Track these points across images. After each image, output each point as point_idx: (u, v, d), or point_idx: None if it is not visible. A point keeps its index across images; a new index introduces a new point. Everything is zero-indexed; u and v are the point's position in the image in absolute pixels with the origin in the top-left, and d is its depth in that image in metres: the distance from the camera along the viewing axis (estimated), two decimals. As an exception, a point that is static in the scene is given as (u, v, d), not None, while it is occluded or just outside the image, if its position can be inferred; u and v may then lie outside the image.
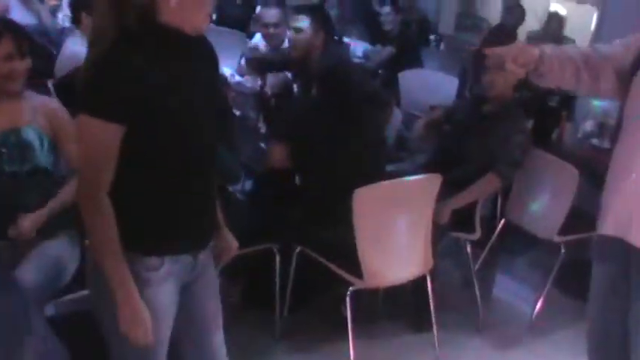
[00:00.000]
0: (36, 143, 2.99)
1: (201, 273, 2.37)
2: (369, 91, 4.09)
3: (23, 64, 2.96)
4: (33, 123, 3.00)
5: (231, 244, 2.55)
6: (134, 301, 2.12)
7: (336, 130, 3.64)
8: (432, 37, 9.01)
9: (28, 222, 2.92)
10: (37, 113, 3.04)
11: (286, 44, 5.15)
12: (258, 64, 5.03)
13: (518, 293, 4.72)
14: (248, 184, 4.46)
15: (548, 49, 2.68)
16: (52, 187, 3.04)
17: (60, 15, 7.81)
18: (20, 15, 6.72)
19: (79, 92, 2.04)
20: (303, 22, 4.51)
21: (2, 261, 2.92)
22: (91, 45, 2.08)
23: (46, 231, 2.99)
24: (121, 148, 2.05)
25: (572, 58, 2.69)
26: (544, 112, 5.15)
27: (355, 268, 3.42)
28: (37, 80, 3.53)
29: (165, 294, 2.24)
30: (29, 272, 2.88)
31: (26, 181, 2.97)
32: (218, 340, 2.52)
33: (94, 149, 2.04)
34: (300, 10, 4.71)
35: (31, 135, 2.98)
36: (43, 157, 3.01)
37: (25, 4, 7.33)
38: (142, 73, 2.00)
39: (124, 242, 2.10)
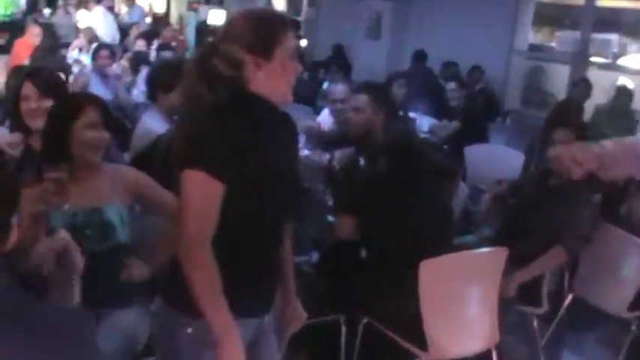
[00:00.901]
0: (117, 221, 3.04)
1: (262, 334, 2.41)
2: (436, 162, 4.13)
3: (106, 135, 3.04)
4: (113, 200, 3.04)
5: (301, 313, 2.59)
6: (240, 354, 2.17)
7: (402, 201, 3.69)
8: (500, 113, 9.07)
9: (137, 269, 3.00)
10: (116, 187, 3.08)
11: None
12: (316, 140, 5.09)
13: (586, 370, 4.63)
14: (315, 256, 4.51)
15: (610, 143, 2.70)
16: (131, 257, 3.10)
17: (135, 91, 8.10)
18: (98, 90, 7.00)
19: (179, 152, 2.16)
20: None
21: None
22: (182, 115, 2.21)
23: (120, 300, 3.06)
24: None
25: (634, 147, 2.71)
26: (612, 185, 5.10)
27: (420, 340, 3.42)
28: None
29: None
30: (101, 341, 2.94)
31: (107, 259, 3.00)
32: None
33: (201, 202, 2.13)
34: (360, 89, 4.72)
35: (112, 214, 3.02)
36: (122, 234, 3.05)
37: (103, 80, 7.64)
38: (237, 139, 2.12)
39: (188, 305, 2.15)
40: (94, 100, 3.17)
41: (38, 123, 3.29)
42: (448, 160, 4.71)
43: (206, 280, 2.13)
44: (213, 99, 2.15)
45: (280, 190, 2.26)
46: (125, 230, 3.08)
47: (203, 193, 2.13)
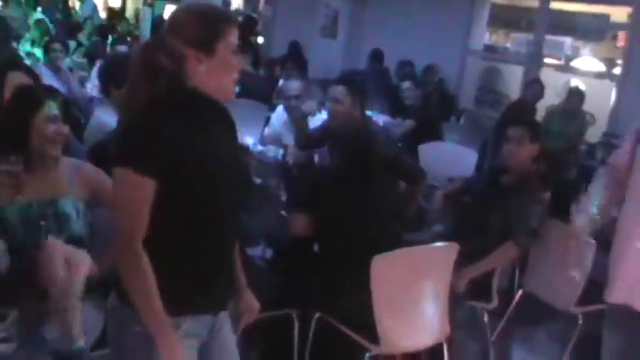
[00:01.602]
0: (73, 214, 3.04)
1: (217, 331, 2.41)
2: (405, 166, 4.18)
3: (65, 128, 3.03)
4: (70, 192, 3.05)
5: (253, 304, 2.60)
6: (179, 351, 2.17)
7: (354, 198, 3.71)
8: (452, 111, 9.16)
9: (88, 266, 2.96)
10: (74, 180, 3.09)
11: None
12: (306, 142, 5.05)
13: (535, 365, 4.69)
14: (268, 252, 4.51)
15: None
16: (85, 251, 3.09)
17: (89, 85, 8.02)
18: (51, 84, 6.91)
19: (113, 150, 2.15)
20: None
21: (28, 323, 2.96)
22: (124, 109, 2.20)
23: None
24: (155, 204, 2.13)
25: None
26: (562, 184, 5.20)
27: (372, 335, 3.45)
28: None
29: (184, 353, 2.26)
30: (51, 334, 2.92)
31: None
32: None
33: (130, 201, 2.13)
34: (339, 81, 4.78)
35: (68, 206, 3.03)
36: (77, 226, 3.06)
37: (56, 73, 7.54)
38: (171, 134, 2.12)
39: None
40: (54, 93, 3.15)
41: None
42: (415, 164, 4.73)
43: (136, 277, 2.13)
44: (152, 93, 2.15)
45: (222, 184, 2.24)
46: (80, 223, 3.07)
47: (131, 190, 2.12)
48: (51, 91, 3.18)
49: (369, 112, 7.27)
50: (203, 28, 2.18)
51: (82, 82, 8.22)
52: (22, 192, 2.90)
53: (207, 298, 2.31)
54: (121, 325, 2.27)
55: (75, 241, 3.03)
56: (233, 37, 2.23)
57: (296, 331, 3.78)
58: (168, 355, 2.16)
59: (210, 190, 2.20)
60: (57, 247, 2.83)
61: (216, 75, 2.20)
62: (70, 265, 2.82)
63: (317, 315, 3.74)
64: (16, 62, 3.91)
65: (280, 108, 5.70)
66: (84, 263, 2.87)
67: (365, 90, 4.88)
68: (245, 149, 4.74)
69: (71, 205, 3.04)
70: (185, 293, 2.22)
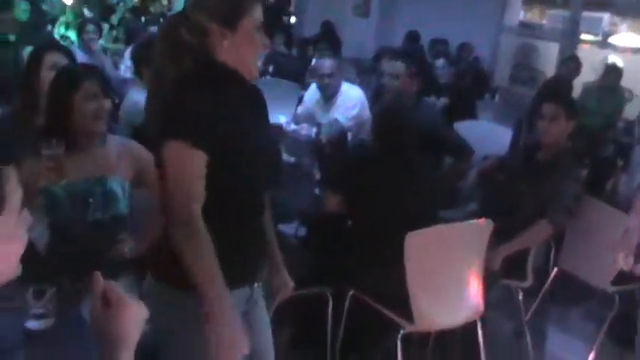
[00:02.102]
0: (119, 192, 3.05)
1: (253, 305, 2.44)
2: (452, 141, 4.13)
3: (108, 103, 3.01)
4: (117, 172, 3.05)
5: (288, 282, 2.61)
6: (235, 324, 2.16)
7: (388, 174, 3.70)
8: (489, 89, 9.08)
9: (128, 246, 2.99)
10: (121, 159, 3.09)
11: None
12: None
13: (570, 344, 4.67)
14: (302, 230, 4.52)
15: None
16: (127, 232, 3.10)
17: (122, 67, 8.08)
18: (85, 65, 6.97)
19: (161, 126, 2.16)
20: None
21: (66, 300, 3.00)
22: (152, 86, 2.21)
23: (107, 274, 3.05)
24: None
25: None
26: (599, 161, 5.13)
27: (406, 312, 3.44)
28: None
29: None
30: (86, 312, 2.95)
31: (107, 228, 3.02)
32: None
33: (186, 173, 2.13)
34: (396, 55, 4.73)
35: (115, 185, 3.04)
36: (123, 205, 3.07)
37: (89, 55, 7.60)
38: (215, 107, 2.13)
39: (185, 278, 2.15)
40: (92, 70, 3.17)
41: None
42: (462, 140, 4.69)
43: (199, 251, 2.12)
44: (179, 69, 2.15)
45: (256, 158, 2.26)
46: (125, 202, 3.10)
47: (188, 163, 2.12)
48: (89, 69, 3.21)
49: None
50: (228, 4, 2.18)
51: (116, 64, 8.29)
52: (67, 174, 2.92)
53: (244, 270, 2.34)
54: (163, 306, 2.26)
55: (119, 220, 3.06)
56: (257, 14, 2.22)
57: (330, 309, 3.79)
58: (227, 329, 2.14)
59: (245, 164, 2.22)
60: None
61: (240, 51, 2.19)
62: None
63: (351, 293, 3.74)
64: (52, 44, 3.97)
65: (313, 86, 5.69)
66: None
67: (428, 65, 4.81)
68: (277, 128, 4.75)
69: (118, 183, 3.06)
70: (225, 266, 2.21)
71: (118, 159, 3.09)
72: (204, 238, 2.12)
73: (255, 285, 2.42)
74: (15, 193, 1.26)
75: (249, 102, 2.32)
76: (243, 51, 2.20)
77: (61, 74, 3.19)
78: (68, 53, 3.69)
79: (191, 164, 2.12)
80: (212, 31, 2.16)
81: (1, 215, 1.23)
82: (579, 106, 4.89)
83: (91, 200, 2.98)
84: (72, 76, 3.08)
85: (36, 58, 3.67)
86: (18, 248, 1.31)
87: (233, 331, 2.14)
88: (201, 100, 2.14)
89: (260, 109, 2.40)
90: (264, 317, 2.53)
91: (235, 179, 2.21)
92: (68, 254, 2.93)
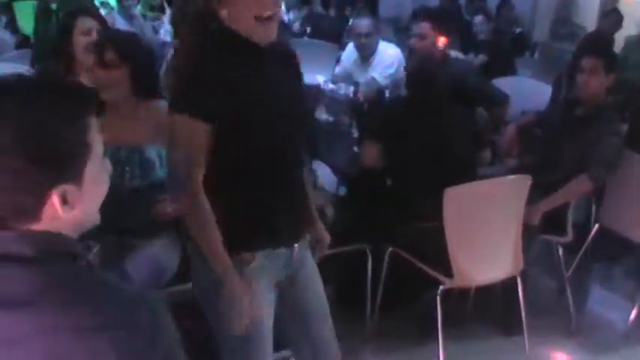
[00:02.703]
0: (156, 161, 3.09)
1: (300, 266, 2.47)
2: (486, 90, 4.10)
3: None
4: (155, 140, 3.05)
5: (324, 236, 2.63)
6: (233, 286, 2.23)
7: (425, 128, 3.70)
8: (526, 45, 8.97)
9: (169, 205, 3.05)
10: (160, 127, 3.13)
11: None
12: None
13: (612, 300, 4.64)
14: (342, 189, 4.55)
15: None
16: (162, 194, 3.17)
17: (162, 31, 8.13)
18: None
19: (170, 96, 2.23)
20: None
21: (110, 257, 3.07)
22: (173, 56, 2.26)
23: (149, 232, 3.12)
24: (213, 146, 2.19)
25: None
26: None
27: (446, 268, 3.47)
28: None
29: (260, 286, 2.33)
30: (133, 268, 3.02)
31: (145, 194, 3.05)
32: (328, 328, 2.59)
33: (186, 145, 2.19)
34: (420, 15, 4.66)
35: (153, 154, 3.07)
36: (160, 172, 3.10)
37: (129, 20, 7.67)
38: (219, 78, 2.16)
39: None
40: (88, 11, 3.41)
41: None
42: (498, 90, 4.66)
43: (197, 219, 2.22)
44: (196, 38, 2.19)
45: (274, 122, 2.26)
46: (163, 169, 3.12)
47: (187, 134, 2.19)
48: (85, 10, 3.46)
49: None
50: None
51: (156, 28, 8.35)
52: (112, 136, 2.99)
53: (273, 233, 2.36)
54: (197, 271, 2.37)
55: (156, 186, 3.08)
56: None
57: (369, 265, 3.83)
58: (229, 291, 2.23)
59: (262, 127, 2.23)
60: None
61: (238, 15, 2.17)
62: None
63: (390, 249, 3.77)
64: (83, 9, 4.04)
65: (350, 46, 5.68)
66: None
67: (450, 26, 4.75)
68: (315, 88, 4.76)
69: (155, 152, 3.09)
70: (250, 229, 2.29)
71: (158, 127, 3.04)
72: (202, 209, 2.20)
73: (296, 246, 2.43)
74: (98, 141, 1.36)
75: (267, 62, 2.28)
76: (242, 15, 2.17)
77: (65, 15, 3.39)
78: (99, 17, 3.75)
79: (191, 136, 2.18)
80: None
81: (87, 163, 1.33)
82: (621, 59, 4.81)
83: (127, 168, 3.04)
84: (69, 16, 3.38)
85: (68, 23, 3.74)
86: (102, 191, 1.44)
87: (230, 292, 2.23)
88: (204, 71, 2.18)
89: (287, 68, 2.39)
90: (313, 275, 2.55)
91: (253, 143, 2.22)
92: (109, 216, 2.99)
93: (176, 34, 4.73)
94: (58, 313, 1.24)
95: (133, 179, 3.05)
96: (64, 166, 1.30)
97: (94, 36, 3.58)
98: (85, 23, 3.64)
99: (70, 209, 1.32)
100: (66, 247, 1.35)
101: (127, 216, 2.94)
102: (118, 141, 2.98)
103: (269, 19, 2.18)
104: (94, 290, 1.32)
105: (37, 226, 1.31)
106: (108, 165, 1.44)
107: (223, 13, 2.17)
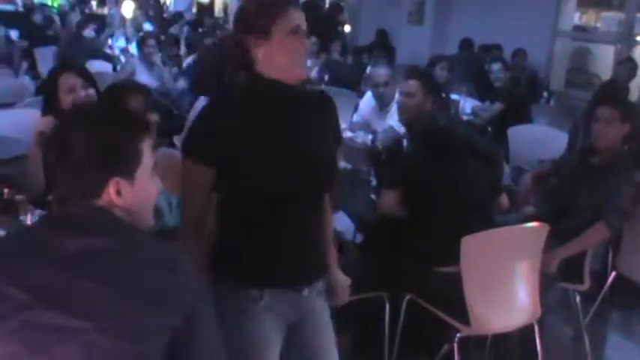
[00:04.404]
0: (165, 207, 3.16)
1: (310, 311, 2.47)
2: (478, 146, 4.14)
3: (154, 117, 3.13)
4: (163, 187, 3.15)
5: (344, 284, 2.66)
6: None
7: (441, 178, 3.74)
8: (544, 93, 9.02)
9: None
10: (167, 173, 3.18)
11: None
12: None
13: (629, 348, 4.61)
14: (359, 237, 4.59)
15: None
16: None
17: (181, 79, 8.27)
18: (145, 78, 7.18)
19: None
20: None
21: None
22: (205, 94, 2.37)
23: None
24: (220, 185, 2.28)
25: None
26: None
27: (463, 315, 3.49)
28: (163, 138, 3.81)
29: (265, 326, 2.36)
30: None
31: None
32: None
33: (189, 186, 2.32)
34: (409, 74, 4.73)
35: (162, 201, 3.13)
36: (170, 219, 3.17)
37: (149, 68, 7.80)
38: (229, 125, 2.25)
39: (226, 272, 2.31)
40: (136, 88, 3.33)
41: None
42: (489, 143, 4.71)
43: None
44: (225, 84, 2.29)
45: (291, 163, 2.30)
46: (173, 215, 3.18)
47: (190, 176, 2.31)
48: (133, 87, 3.41)
49: (456, 97, 7.33)
50: (259, 14, 2.26)
51: (175, 76, 8.48)
52: None
53: (283, 273, 2.39)
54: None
55: (165, 233, 3.08)
56: (290, 17, 2.28)
57: (387, 312, 3.84)
58: None
59: (271, 174, 2.28)
60: None
61: (277, 57, 2.27)
62: None
63: (408, 296, 3.79)
64: (66, 64, 3.94)
65: (369, 94, 5.76)
66: None
67: (437, 83, 4.82)
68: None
69: (164, 199, 3.14)
70: (260, 266, 2.34)
71: (165, 173, 3.16)
72: (195, 249, 2.27)
73: (306, 290, 2.44)
74: (148, 154, 1.82)
75: (290, 108, 2.36)
76: (281, 56, 2.27)
77: (107, 92, 3.38)
78: (83, 73, 3.69)
79: (193, 178, 2.29)
80: (249, 42, 2.26)
81: (139, 167, 1.78)
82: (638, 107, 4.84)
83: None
84: (117, 94, 3.24)
85: (51, 80, 3.70)
86: (152, 194, 1.91)
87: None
88: (220, 118, 2.27)
89: (313, 113, 2.44)
90: (323, 323, 2.55)
91: (261, 188, 2.28)
92: None
93: (198, 80, 4.85)
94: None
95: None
96: (120, 164, 1.75)
97: (79, 93, 3.53)
98: (68, 80, 3.57)
99: (124, 201, 1.75)
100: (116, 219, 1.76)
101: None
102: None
103: (302, 43, 2.30)
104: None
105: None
106: (157, 180, 1.88)
107: (260, 53, 2.25)
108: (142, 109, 3.11)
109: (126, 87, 3.42)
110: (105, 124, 1.77)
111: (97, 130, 1.74)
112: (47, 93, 3.74)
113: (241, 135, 2.24)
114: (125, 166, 1.75)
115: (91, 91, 3.56)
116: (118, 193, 1.74)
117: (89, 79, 3.62)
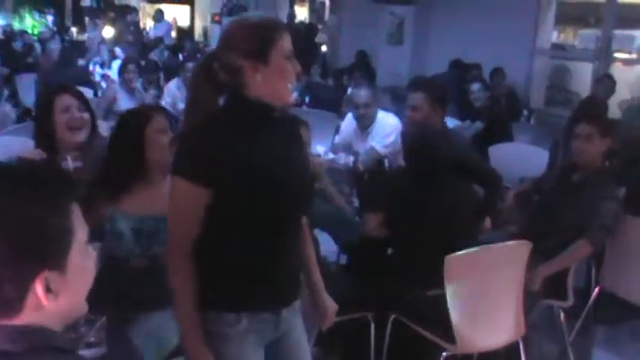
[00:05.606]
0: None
1: (287, 331, 2.47)
2: (481, 170, 4.12)
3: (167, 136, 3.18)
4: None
5: (331, 307, 2.65)
6: (194, 347, 2.27)
7: (425, 198, 3.76)
8: (524, 112, 9.07)
9: None
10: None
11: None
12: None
13: (616, 366, 4.62)
14: (343, 258, 4.59)
15: None
16: None
17: (162, 102, 8.25)
18: (126, 103, 7.17)
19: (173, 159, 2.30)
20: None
21: (115, 328, 3.08)
22: (186, 121, 2.34)
23: (162, 302, 3.14)
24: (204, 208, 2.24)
25: None
26: (638, 179, 5.11)
27: (448, 334, 3.49)
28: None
29: (247, 350, 2.35)
30: (139, 340, 3.04)
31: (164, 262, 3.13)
32: None
33: (182, 208, 2.27)
34: (415, 86, 4.55)
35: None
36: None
37: (130, 92, 7.79)
38: (227, 146, 2.23)
39: (204, 298, 2.28)
40: (158, 108, 3.42)
41: (80, 135, 3.44)
42: (490, 169, 4.58)
43: (178, 282, 2.26)
44: (212, 106, 2.28)
45: (281, 187, 2.30)
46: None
47: (183, 198, 2.26)
48: (155, 107, 3.35)
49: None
50: (256, 38, 2.25)
51: (156, 98, 8.47)
52: (138, 209, 3.06)
53: (263, 297, 2.38)
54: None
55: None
56: (286, 42, 2.30)
57: (372, 332, 3.84)
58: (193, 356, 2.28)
59: (264, 197, 2.27)
60: None
61: (274, 81, 2.28)
62: None
63: (393, 316, 3.79)
64: (62, 86, 3.93)
65: (349, 116, 5.77)
66: None
67: (446, 96, 4.55)
68: (313, 157, 4.82)
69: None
70: (240, 291, 2.33)
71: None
72: (184, 272, 2.25)
73: (284, 311, 2.44)
74: (81, 227, 1.36)
75: (279, 131, 2.38)
76: (277, 81, 2.28)
77: (132, 112, 3.40)
78: (77, 94, 3.72)
79: (187, 200, 2.25)
80: (244, 67, 2.25)
81: (71, 248, 1.33)
82: (621, 123, 4.86)
83: (154, 236, 3.10)
84: (143, 112, 3.28)
85: (47, 101, 3.71)
86: (88, 279, 1.42)
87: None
88: (215, 139, 2.24)
89: (291, 136, 2.46)
90: (300, 342, 2.55)
91: (252, 210, 2.27)
92: (123, 285, 3.03)
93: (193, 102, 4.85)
94: None
95: (156, 246, 3.10)
96: (47, 253, 1.30)
97: (74, 113, 3.56)
98: (64, 101, 3.60)
99: (54, 298, 1.31)
100: (52, 341, 1.33)
101: (143, 286, 3.02)
102: (147, 210, 3.07)
103: (294, 67, 2.32)
104: None
105: (19, 319, 1.29)
106: (93, 253, 1.42)
107: (258, 78, 2.25)
108: (167, 127, 3.18)
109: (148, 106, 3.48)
110: (19, 196, 1.30)
111: (7, 207, 1.28)
112: (41, 114, 3.78)
113: (238, 158, 2.24)
114: (54, 254, 1.31)
115: (86, 115, 3.58)
116: (48, 290, 1.30)
117: (85, 102, 3.65)
